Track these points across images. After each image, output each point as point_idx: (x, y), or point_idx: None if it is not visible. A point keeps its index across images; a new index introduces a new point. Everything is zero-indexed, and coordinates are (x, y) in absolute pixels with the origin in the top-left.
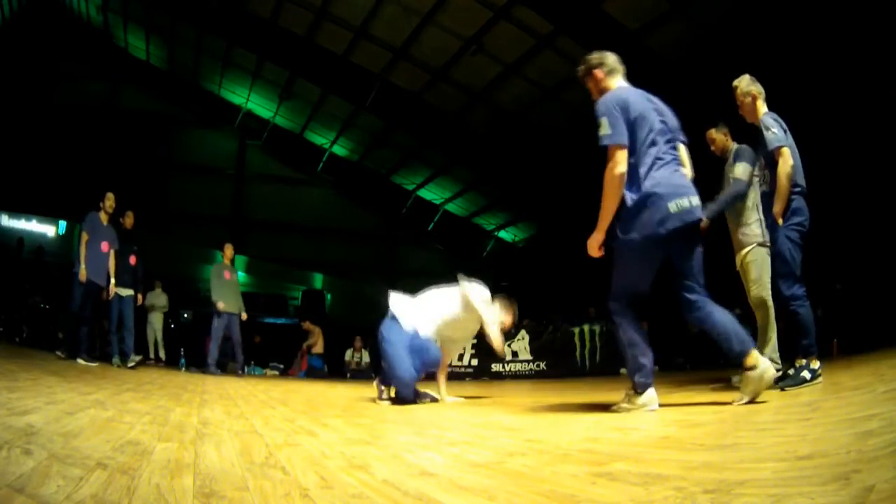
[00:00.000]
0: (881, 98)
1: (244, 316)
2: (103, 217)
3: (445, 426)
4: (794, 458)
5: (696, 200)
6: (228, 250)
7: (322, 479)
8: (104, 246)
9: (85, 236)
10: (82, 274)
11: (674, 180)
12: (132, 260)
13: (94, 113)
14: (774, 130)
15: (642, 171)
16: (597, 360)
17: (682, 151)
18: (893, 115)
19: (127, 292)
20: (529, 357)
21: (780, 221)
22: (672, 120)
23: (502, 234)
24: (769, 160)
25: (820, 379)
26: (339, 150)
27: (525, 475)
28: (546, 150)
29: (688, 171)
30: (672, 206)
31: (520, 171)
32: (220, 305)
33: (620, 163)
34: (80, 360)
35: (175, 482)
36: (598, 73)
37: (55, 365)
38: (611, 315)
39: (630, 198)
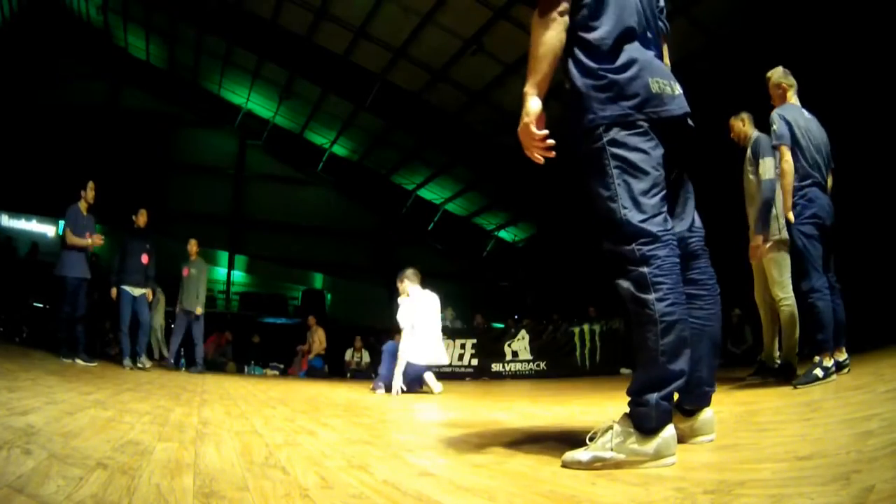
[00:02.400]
0: (881, 101)
1: (199, 311)
2: (83, 207)
3: (446, 426)
4: (794, 458)
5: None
6: (191, 245)
7: (322, 479)
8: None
9: (69, 235)
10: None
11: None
12: (144, 259)
13: (95, 113)
14: (776, 127)
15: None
16: (597, 359)
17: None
18: (892, 117)
19: (139, 291)
20: (529, 357)
21: (791, 217)
22: None
23: (502, 233)
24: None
25: (834, 377)
26: (339, 149)
27: (525, 475)
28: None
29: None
30: (654, 85)
31: (520, 171)
32: (177, 308)
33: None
34: (78, 361)
35: (175, 482)
36: None
37: (55, 365)
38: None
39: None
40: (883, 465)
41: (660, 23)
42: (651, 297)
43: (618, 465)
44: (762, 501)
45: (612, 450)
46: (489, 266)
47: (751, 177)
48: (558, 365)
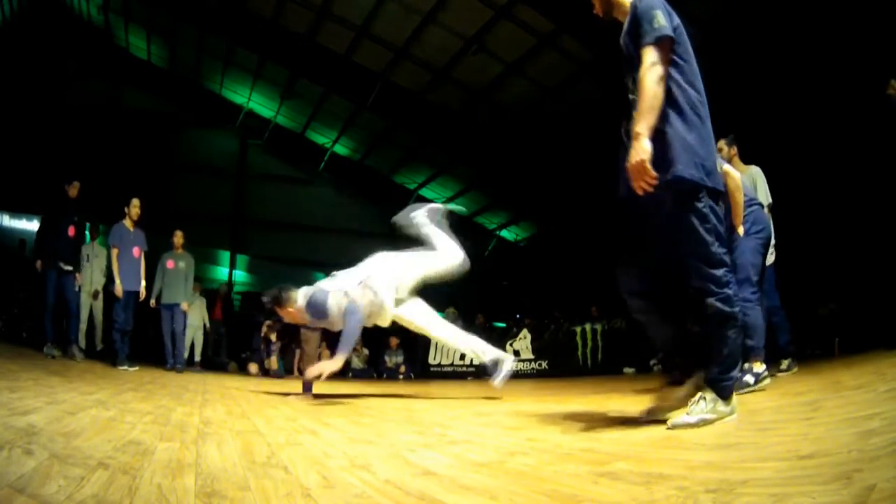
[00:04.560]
0: (875, 114)
1: (185, 306)
2: (128, 224)
3: (447, 425)
4: (795, 457)
5: None
6: (177, 237)
7: (324, 478)
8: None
9: (115, 251)
10: (118, 289)
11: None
12: (71, 231)
13: (96, 113)
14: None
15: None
16: (599, 359)
17: None
18: (888, 125)
19: (67, 268)
20: (531, 356)
21: (741, 231)
22: None
23: (504, 233)
24: None
25: (766, 382)
26: (340, 149)
27: (527, 475)
28: (548, 149)
29: None
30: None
31: (521, 171)
32: (152, 303)
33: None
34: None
35: (177, 482)
36: None
37: (56, 365)
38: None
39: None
40: (884, 463)
41: None
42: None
43: (712, 422)
44: (764, 500)
45: (709, 412)
46: (491, 265)
47: None
48: (560, 364)
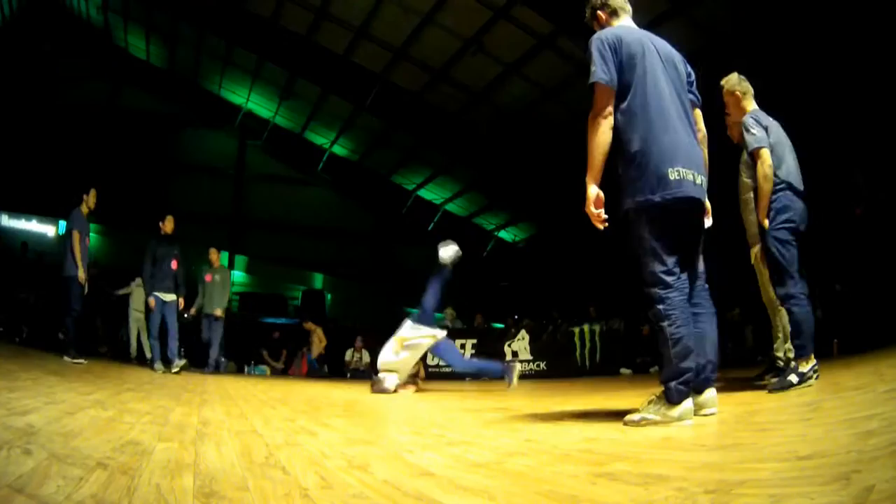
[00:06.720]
0: (880, 98)
1: (218, 312)
2: (85, 210)
3: (446, 426)
4: (794, 458)
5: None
6: (213, 254)
7: (322, 479)
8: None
9: (77, 235)
10: (81, 276)
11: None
12: (174, 265)
13: (95, 113)
14: (754, 131)
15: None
16: (597, 359)
17: (697, 115)
18: (891, 115)
19: (169, 297)
20: (529, 357)
21: (766, 224)
22: (684, 72)
23: (502, 234)
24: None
25: (810, 382)
26: (339, 150)
27: (525, 475)
28: (546, 149)
29: (701, 138)
30: (672, 173)
31: (520, 171)
32: (192, 311)
33: (603, 105)
34: (65, 358)
35: (175, 482)
36: (601, 13)
37: (55, 365)
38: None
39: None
40: (883, 464)
41: (690, 96)
42: (664, 324)
43: (656, 423)
44: (762, 501)
45: (654, 413)
46: (489, 266)
47: (746, 179)
48: (558, 365)
